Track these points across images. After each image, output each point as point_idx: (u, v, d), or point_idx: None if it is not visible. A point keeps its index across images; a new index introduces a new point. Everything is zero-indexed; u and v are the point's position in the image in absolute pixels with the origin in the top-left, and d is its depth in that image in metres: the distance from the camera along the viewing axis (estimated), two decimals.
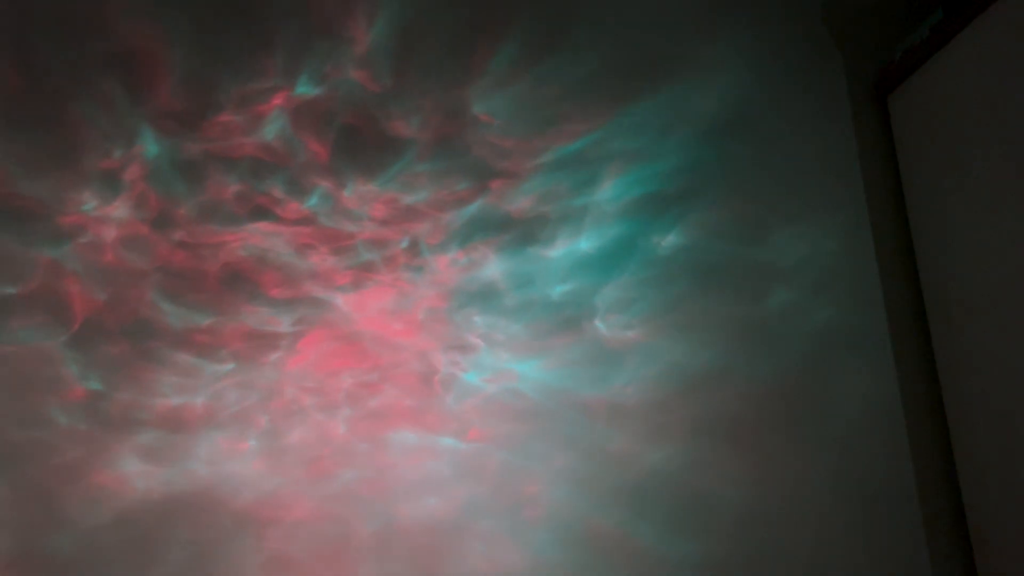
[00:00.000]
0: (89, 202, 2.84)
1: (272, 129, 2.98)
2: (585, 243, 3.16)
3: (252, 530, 2.87)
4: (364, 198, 3.05)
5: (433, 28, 3.11)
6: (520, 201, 3.16)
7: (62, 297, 2.82)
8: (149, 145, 2.88)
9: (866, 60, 3.31)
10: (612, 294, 3.15)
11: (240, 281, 2.96)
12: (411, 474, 3.00)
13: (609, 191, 3.21)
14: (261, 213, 2.97)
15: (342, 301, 3.03)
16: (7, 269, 2.78)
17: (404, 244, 3.05)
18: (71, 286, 2.84)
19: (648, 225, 3.19)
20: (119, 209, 2.87)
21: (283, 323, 2.98)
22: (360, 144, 3.04)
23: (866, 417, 2.99)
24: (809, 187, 3.25)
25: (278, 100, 3.01)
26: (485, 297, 3.10)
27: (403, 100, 3.07)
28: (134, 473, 2.83)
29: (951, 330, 2.78)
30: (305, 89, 3.02)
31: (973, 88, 2.70)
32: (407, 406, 3.03)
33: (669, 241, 3.19)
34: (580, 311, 3.11)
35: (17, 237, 2.79)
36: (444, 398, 3.05)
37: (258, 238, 2.97)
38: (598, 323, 3.11)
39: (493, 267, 3.10)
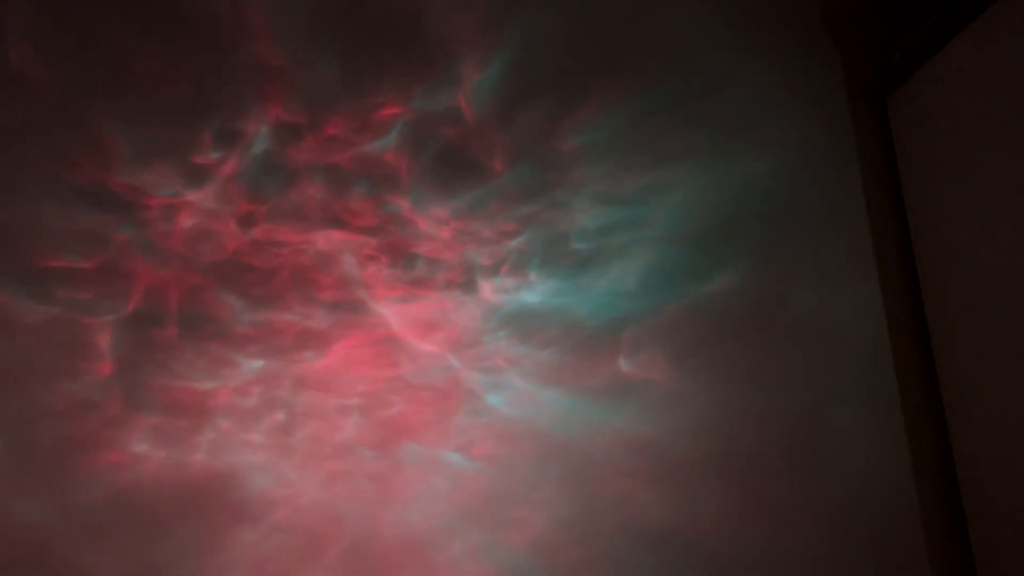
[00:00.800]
0: (179, 192, 2.96)
1: (369, 145, 3.10)
2: (630, 280, 3.13)
3: (231, 524, 2.77)
4: (435, 218, 3.10)
5: (538, 74, 3.26)
6: (579, 235, 3.18)
7: (127, 277, 2.89)
8: (253, 149, 3.02)
9: (865, 62, 3.25)
10: (642, 332, 3.09)
11: (297, 282, 2.99)
12: (405, 485, 2.88)
13: (662, 231, 3.22)
14: (336, 221, 3.04)
15: (386, 311, 3.03)
16: (84, 243, 2.87)
17: (459, 264, 3.08)
18: (138, 268, 2.90)
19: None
20: (204, 201, 2.98)
21: (324, 324, 2.98)
22: (446, 168, 3.13)
23: (870, 448, 2.88)
24: (807, 188, 3.20)
25: (383, 120, 3.14)
26: (522, 322, 3.08)
27: (496, 133, 3.18)
28: (135, 454, 2.78)
29: (951, 332, 2.75)
30: (410, 112, 3.15)
31: (972, 90, 2.68)
32: (420, 419, 2.96)
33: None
34: (608, 345, 3.06)
35: (101, 215, 2.89)
36: (458, 415, 2.97)
37: (326, 243, 3.02)
38: (622, 359, 3.05)
39: (537, 294, 3.10)
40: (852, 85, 3.27)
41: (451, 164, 3.16)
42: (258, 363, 2.90)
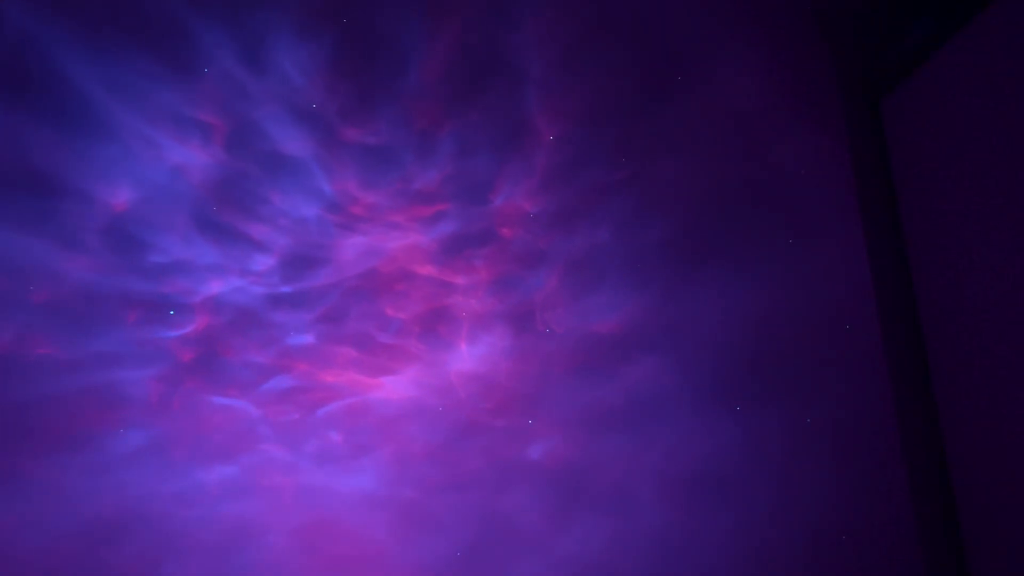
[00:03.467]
0: (391, 209, 3.20)
1: (562, 243, 3.23)
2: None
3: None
4: (555, 313, 3.16)
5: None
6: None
7: (293, 259, 3.13)
8: (481, 205, 3.23)
9: (859, 64, 3.16)
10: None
11: (412, 310, 3.11)
12: (317, 509, 2.88)
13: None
14: (483, 280, 3.17)
15: (454, 359, 3.08)
16: (287, 220, 3.15)
17: (547, 345, 3.12)
18: (303, 256, 3.14)
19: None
20: (403, 226, 3.19)
21: (395, 345, 3.08)
22: (596, 285, 3.20)
23: (860, 421, 2.90)
24: (803, 191, 3.14)
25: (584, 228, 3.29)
26: (551, 404, 3.07)
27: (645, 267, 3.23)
28: (145, 398, 2.94)
29: (945, 333, 2.73)
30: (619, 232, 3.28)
31: (966, 92, 2.67)
32: (395, 452, 2.96)
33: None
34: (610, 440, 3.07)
35: (315, 208, 3.18)
36: (433, 461, 2.98)
37: (463, 293, 3.14)
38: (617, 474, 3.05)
39: (590, 389, 3.09)
40: (846, 88, 3.19)
41: (602, 281, 3.21)
42: (310, 360, 3.02)
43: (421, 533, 2.85)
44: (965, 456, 2.61)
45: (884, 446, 2.85)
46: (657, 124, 3.26)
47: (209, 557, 2.77)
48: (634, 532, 2.90)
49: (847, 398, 2.89)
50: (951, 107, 2.87)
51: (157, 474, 2.82)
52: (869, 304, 2.97)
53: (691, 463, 3.00)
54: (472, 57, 3.22)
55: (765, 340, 3.04)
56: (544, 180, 3.21)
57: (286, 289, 3.05)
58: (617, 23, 3.40)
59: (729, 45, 3.49)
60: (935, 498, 2.71)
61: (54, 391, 2.84)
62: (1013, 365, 2.44)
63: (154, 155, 3.01)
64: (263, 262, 3.05)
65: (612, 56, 3.33)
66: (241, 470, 2.86)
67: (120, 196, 2.99)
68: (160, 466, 2.83)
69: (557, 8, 3.19)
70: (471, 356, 3.09)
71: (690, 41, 3.49)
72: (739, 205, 3.22)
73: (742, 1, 3.50)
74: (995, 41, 2.71)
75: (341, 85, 3.13)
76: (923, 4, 3.05)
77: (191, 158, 3.04)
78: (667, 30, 3.46)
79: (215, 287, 3.00)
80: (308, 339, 3.02)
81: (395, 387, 3.03)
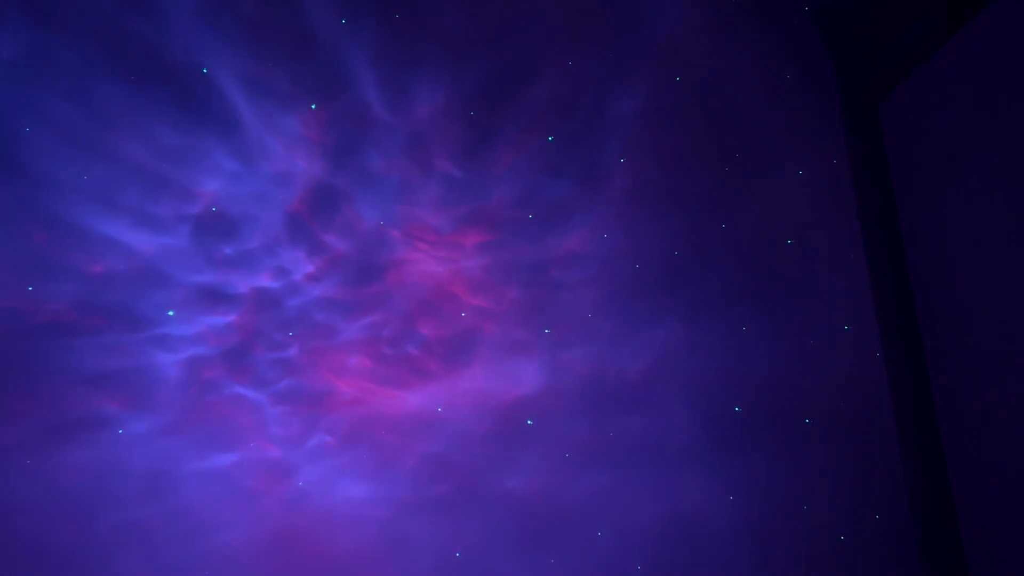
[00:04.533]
0: (458, 232, 3.46)
1: (598, 286, 3.45)
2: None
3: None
4: (573, 351, 3.32)
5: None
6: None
7: (348, 268, 3.41)
8: (540, 239, 3.49)
9: (858, 67, 3.14)
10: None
11: (450, 333, 3.34)
12: (286, 516, 3.01)
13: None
14: (513, 308, 3.39)
15: (474, 387, 3.24)
16: (363, 234, 3.45)
17: (564, 368, 3.29)
18: (360, 264, 3.43)
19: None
20: (459, 250, 3.44)
21: (416, 358, 3.26)
22: (620, 330, 3.37)
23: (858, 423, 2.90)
24: (801, 192, 3.13)
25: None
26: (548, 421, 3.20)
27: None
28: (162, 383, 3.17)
29: (943, 335, 2.69)
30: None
31: (965, 94, 2.67)
32: (400, 480, 3.06)
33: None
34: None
35: (387, 227, 3.47)
36: (436, 492, 3.08)
37: (490, 319, 3.33)
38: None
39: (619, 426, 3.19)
40: (845, 90, 3.15)
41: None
42: (331, 365, 3.20)
43: (387, 554, 2.86)
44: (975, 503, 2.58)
45: (893, 514, 2.81)
46: (711, 189, 3.33)
47: (169, 551, 2.88)
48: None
49: (845, 409, 2.88)
50: (949, 108, 2.87)
51: (148, 463, 2.96)
52: (869, 307, 2.91)
53: (679, 511, 2.94)
54: (571, 112, 3.50)
55: (769, 390, 3.07)
56: (602, 228, 3.39)
57: (332, 294, 3.26)
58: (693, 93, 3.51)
59: (723, 45, 3.52)
60: (942, 552, 2.68)
61: (81, 364, 3.06)
62: (1012, 362, 2.40)
63: (262, 158, 3.32)
64: (320, 267, 3.30)
65: (689, 123, 3.41)
66: (231, 466, 2.96)
67: (212, 187, 3.27)
68: (156, 455, 2.97)
69: (660, 78, 3.38)
70: (484, 379, 3.19)
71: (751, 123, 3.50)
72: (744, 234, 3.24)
73: (745, 7, 3.54)
74: (993, 42, 2.71)
75: (452, 123, 3.44)
76: (922, 5, 3.03)
77: (294, 166, 3.34)
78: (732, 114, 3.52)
79: (268, 282, 3.24)
80: (337, 344, 3.18)
81: (402, 401, 3.13)
